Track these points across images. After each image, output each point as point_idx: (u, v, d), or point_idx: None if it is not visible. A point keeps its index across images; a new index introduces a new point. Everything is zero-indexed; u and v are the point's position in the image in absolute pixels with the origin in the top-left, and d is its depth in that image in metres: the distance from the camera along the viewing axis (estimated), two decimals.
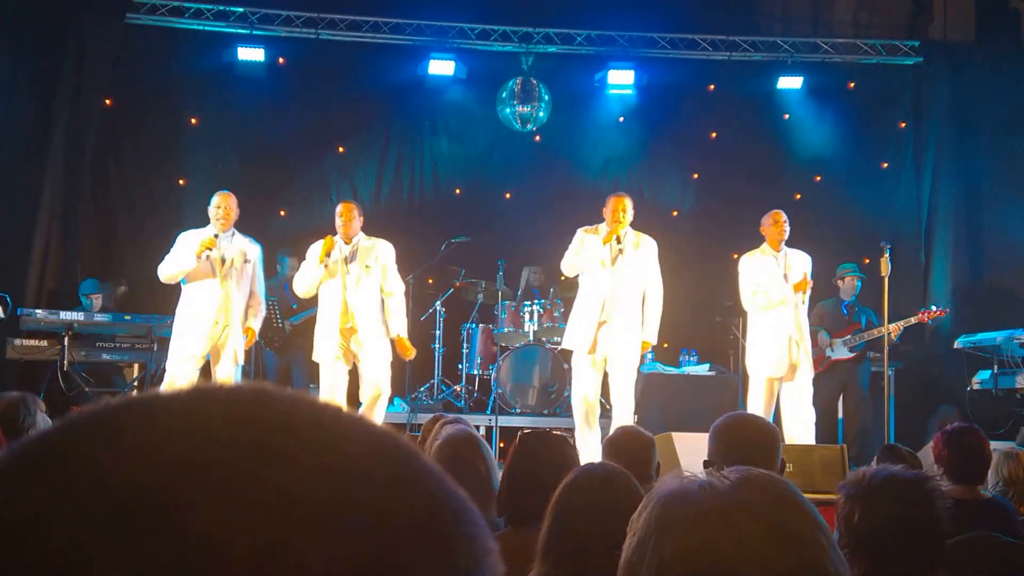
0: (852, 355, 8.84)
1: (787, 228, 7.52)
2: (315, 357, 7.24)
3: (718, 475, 1.13)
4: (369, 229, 10.95)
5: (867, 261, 9.40)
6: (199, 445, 0.44)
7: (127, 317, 8.65)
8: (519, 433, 3.21)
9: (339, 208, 7.36)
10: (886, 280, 7.64)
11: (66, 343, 8.33)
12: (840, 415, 9.11)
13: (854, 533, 2.17)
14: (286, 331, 9.45)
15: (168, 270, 7.02)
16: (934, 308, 8.72)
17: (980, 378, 8.77)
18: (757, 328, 7.52)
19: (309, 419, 0.48)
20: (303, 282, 7.18)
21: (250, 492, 0.43)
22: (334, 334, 7.08)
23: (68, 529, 0.41)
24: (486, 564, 0.48)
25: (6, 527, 0.42)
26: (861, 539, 2.16)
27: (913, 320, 8.39)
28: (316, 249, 7.16)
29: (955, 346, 8.94)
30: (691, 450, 5.84)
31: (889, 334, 8.35)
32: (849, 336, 8.83)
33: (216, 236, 7.02)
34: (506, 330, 9.52)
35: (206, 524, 0.41)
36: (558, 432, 3.35)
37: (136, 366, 8.83)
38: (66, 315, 8.48)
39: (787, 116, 11.07)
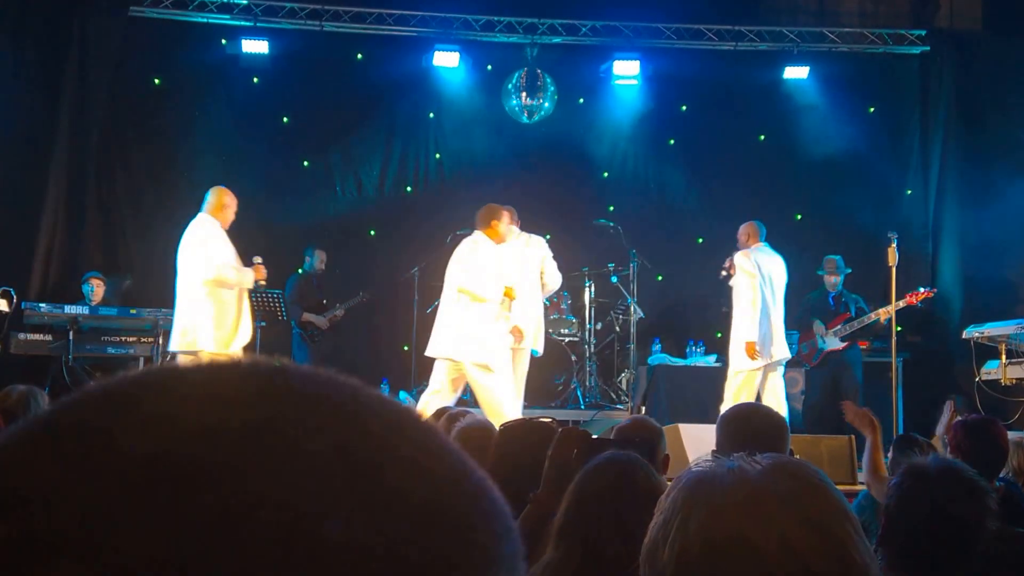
0: (843, 345, 8.87)
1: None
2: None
3: (748, 460, 1.13)
4: (373, 221, 10.99)
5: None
6: (216, 416, 0.44)
7: (132, 311, 8.65)
8: (500, 424, 3.22)
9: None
10: (894, 270, 7.63)
11: (71, 337, 8.32)
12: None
13: (895, 518, 2.17)
14: (291, 325, 9.45)
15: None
16: (921, 290, 8.71)
17: (989, 368, 8.73)
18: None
19: (328, 392, 0.47)
20: None
21: (267, 464, 0.42)
22: None
23: (83, 499, 0.41)
24: (506, 542, 0.47)
25: (21, 497, 0.41)
26: (902, 523, 2.16)
27: (901, 304, 8.39)
28: None
29: (963, 336, 8.90)
30: (698, 441, 5.82)
31: (879, 319, 8.45)
32: (840, 326, 8.88)
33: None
34: None
35: (222, 496, 0.41)
36: (546, 420, 3.33)
37: (142, 360, 8.82)
38: (71, 309, 8.47)
39: (793, 106, 11.02)
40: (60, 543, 0.40)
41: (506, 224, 7.36)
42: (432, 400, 7.04)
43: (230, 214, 7.13)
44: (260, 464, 0.42)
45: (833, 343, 8.91)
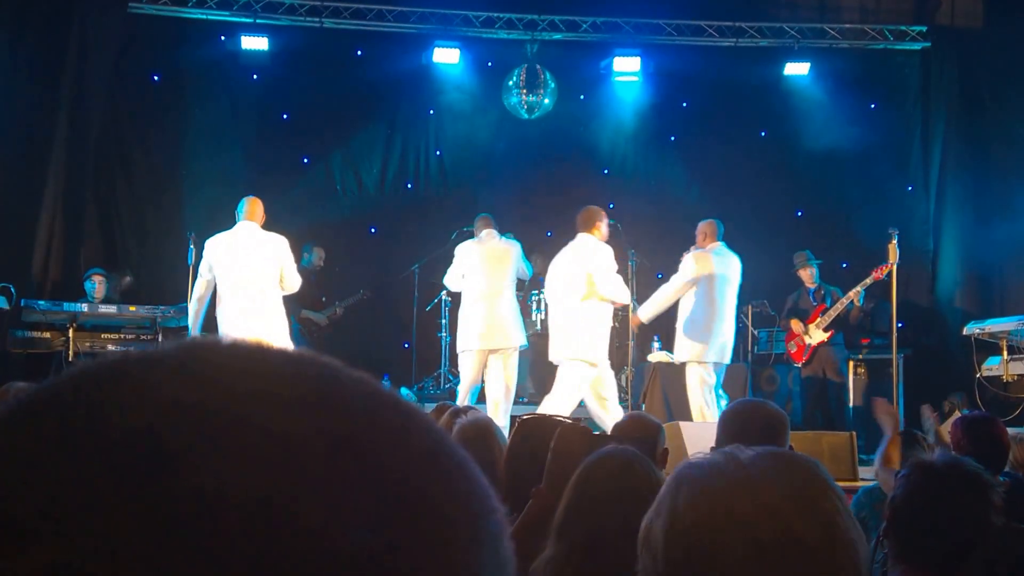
0: (826, 335, 8.90)
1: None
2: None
3: (741, 448, 1.15)
4: (373, 218, 10.97)
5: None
6: (198, 394, 0.44)
7: (132, 308, 8.63)
8: (519, 418, 3.24)
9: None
10: (895, 267, 7.61)
11: (71, 335, 8.30)
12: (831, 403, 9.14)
13: (901, 511, 2.17)
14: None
15: None
16: (885, 264, 8.70)
17: (990, 364, 8.72)
18: None
19: (309, 371, 0.47)
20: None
21: (248, 442, 0.42)
22: None
23: (58, 480, 0.40)
24: (489, 521, 0.47)
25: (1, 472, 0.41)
26: (908, 516, 2.15)
27: (869, 281, 8.43)
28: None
29: (964, 332, 8.89)
30: (698, 439, 5.81)
31: (852, 302, 8.50)
32: (819, 318, 8.91)
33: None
34: None
35: (201, 473, 0.41)
36: (565, 419, 3.32)
37: None
38: (70, 307, 8.45)
39: (794, 102, 11.00)
40: (32, 525, 0.39)
41: (606, 224, 7.43)
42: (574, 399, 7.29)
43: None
44: (236, 442, 0.42)
45: (818, 336, 8.96)
